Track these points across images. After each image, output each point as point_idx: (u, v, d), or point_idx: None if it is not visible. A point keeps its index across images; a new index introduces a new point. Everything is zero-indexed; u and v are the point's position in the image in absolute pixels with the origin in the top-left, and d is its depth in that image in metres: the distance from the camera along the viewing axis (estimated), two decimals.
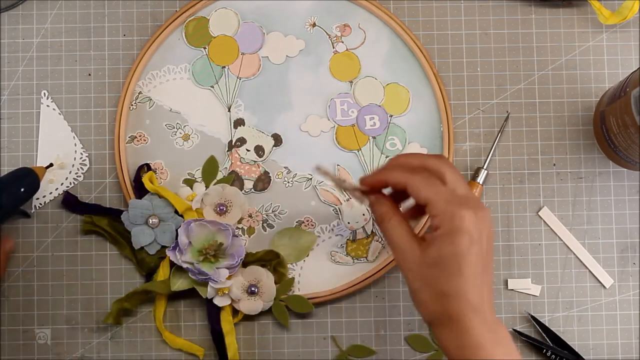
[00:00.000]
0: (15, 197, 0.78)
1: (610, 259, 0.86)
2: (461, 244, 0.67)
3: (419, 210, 0.75)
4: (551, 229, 0.86)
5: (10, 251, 0.81)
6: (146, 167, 0.85)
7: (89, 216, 0.84)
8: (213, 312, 0.83)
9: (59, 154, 0.86)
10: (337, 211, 0.86)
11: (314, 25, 0.88)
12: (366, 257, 0.85)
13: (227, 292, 0.82)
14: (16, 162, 0.86)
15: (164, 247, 0.83)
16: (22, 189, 0.79)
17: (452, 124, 0.86)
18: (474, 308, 0.67)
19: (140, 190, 0.84)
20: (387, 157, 0.86)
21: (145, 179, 0.83)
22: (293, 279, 0.84)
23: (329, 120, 0.87)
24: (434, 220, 0.69)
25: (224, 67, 0.87)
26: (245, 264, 0.83)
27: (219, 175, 0.86)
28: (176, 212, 0.83)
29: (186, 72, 0.87)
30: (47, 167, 0.83)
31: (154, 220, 0.82)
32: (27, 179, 0.80)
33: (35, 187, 0.80)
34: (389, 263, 0.84)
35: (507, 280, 0.85)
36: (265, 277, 0.83)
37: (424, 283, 0.69)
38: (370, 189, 0.73)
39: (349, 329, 0.85)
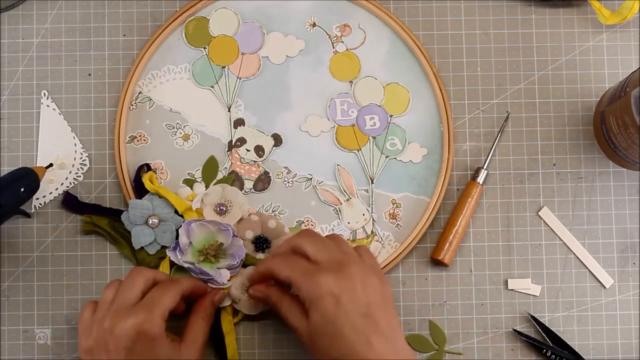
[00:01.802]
0: (15, 197, 0.78)
1: (610, 259, 0.86)
2: (326, 308, 0.70)
3: None
4: (551, 229, 0.86)
5: (219, 301, 0.81)
6: (146, 167, 0.85)
7: (89, 216, 0.84)
8: None
9: (59, 154, 0.86)
10: (337, 211, 0.86)
11: (314, 25, 0.88)
12: None
13: (226, 293, 0.82)
14: (16, 162, 0.86)
15: (163, 247, 0.83)
16: (22, 189, 0.79)
17: (452, 124, 0.86)
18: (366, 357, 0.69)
19: (140, 190, 0.84)
20: (387, 157, 0.86)
21: (145, 179, 0.83)
22: None
23: (329, 120, 0.87)
24: (301, 295, 0.72)
25: (224, 67, 0.87)
26: (245, 264, 0.83)
27: (219, 175, 0.86)
28: (176, 212, 0.83)
29: (186, 72, 0.87)
30: (47, 167, 0.83)
31: (154, 220, 0.82)
32: (27, 179, 0.80)
33: (35, 187, 0.80)
34: (388, 263, 0.84)
35: (507, 280, 0.85)
36: None
37: (321, 355, 0.71)
38: (260, 283, 0.79)
39: None
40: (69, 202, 0.85)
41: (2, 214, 0.78)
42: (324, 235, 0.78)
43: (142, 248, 0.83)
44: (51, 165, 0.84)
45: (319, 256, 0.74)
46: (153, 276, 0.77)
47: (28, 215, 0.84)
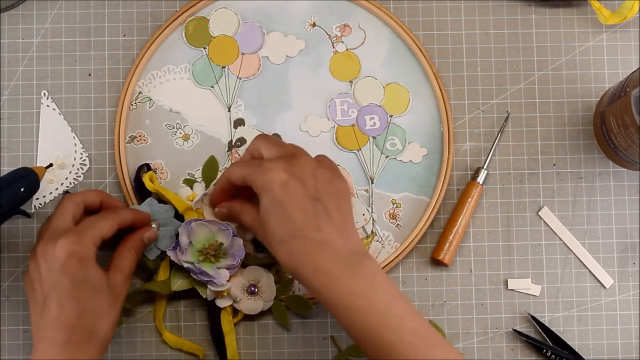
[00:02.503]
0: (15, 197, 0.78)
1: (610, 259, 0.86)
2: (275, 191, 0.71)
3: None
4: (551, 229, 0.86)
5: (149, 238, 0.82)
6: (146, 167, 0.85)
7: None
8: (213, 312, 0.83)
9: (59, 154, 0.86)
10: None
11: (314, 25, 0.88)
12: None
13: (226, 294, 0.82)
14: (16, 162, 0.86)
15: (163, 252, 0.83)
16: (22, 189, 0.79)
17: (452, 124, 0.86)
18: (315, 243, 0.70)
19: (140, 190, 0.84)
20: (387, 157, 0.86)
21: (145, 178, 0.83)
22: (293, 279, 0.84)
23: (329, 120, 0.87)
24: (255, 189, 0.73)
25: (224, 67, 0.87)
26: (245, 264, 0.83)
27: (219, 175, 0.86)
28: (176, 214, 0.83)
29: (186, 72, 0.87)
30: (47, 167, 0.83)
31: (153, 226, 0.82)
32: (27, 179, 0.80)
33: (35, 187, 0.80)
34: (388, 263, 0.84)
35: (507, 280, 0.85)
36: (265, 277, 0.83)
37: (268, 238, 0.73)
38: (221, 200, 0.80)
39: None
40: None
41: (2, 214, 0.78)
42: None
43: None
44: (51, 165, 0.84)
45: (274, 152, 0.75)
46: (82, 199, 0.78)
47: (28, 215, 0.84)
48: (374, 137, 0.86)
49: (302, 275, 0.71)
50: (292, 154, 0.74)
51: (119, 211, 0.79)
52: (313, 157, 0.76)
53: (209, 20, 0.87)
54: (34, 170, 0.80)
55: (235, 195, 0.80)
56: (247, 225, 0.78)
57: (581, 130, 0.87)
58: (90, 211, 0.79)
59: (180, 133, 0.86)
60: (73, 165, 0.86)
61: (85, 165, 0.86)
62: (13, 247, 0.85)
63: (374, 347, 0.69)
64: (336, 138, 0.86)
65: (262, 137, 0.77)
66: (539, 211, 0.86)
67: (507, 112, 0.87)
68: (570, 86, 0.87)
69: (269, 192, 0.72)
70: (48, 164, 0.84)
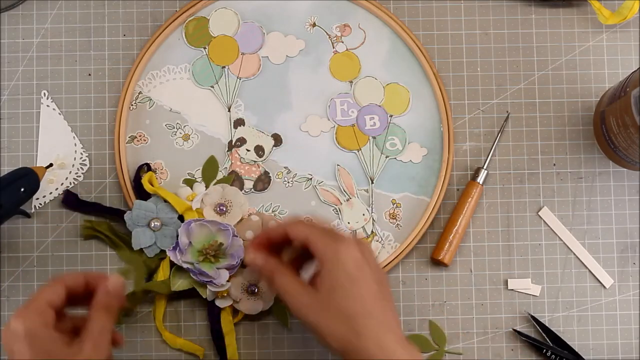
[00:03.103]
0: (15, 197, 0.79)
1: (610, 259, 0.86)
2: (349, 267, 0.69)
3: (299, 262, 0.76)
4: (551, 229, 0.86)
5: (114, 288, 0.73)
6: (146, 167, 0.85)
7: (89, 221, 0.84)
8: (213, 312, 0.83)
9: (59, 154, 0.86)
10: (337, 211, 0.86)
11: (314, 25, 0.88)
12: None
13: (226, 294, 0.82)
14: (16, 162, 0.86)
15: (162, 251, 0.83)
16: (22, 189, 0.79)
17: (452, 124, 0.86)
18: (381, 323, 0.69)
19: (140, 190, 0.84)
20: (387, 157, 0.86)
21: (144, 180, 0.83)
22: None
23: (329, 120, 0.87)
24: (320, 256, 0.70)
25: (224, 67, 0.87)
26: (244, 264, 0.83)
27: (219, 175, 0.86)
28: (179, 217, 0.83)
29: (186, 72, 0.87)
30: (47, 167, 0.83)
31: (156, 223, 0.82)
32: (27, 179, 0.80)
33: (35, 187, 0.80)
34: (388, 263, 0.84)
35: (507, 280, 0.85)
36: None
37: (327, 313, 0.69)
38: (265, 244, 0.74)
39: None
40: (69, 200, 0.85)
41: (2, 214, 0.78)
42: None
43: (141, 250, 0.83)
44: (51, 165, 0.84)
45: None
46: (62, 285, 0.71)
47: (28, 215, 0.84)
48: (374, 137, 0.86)
49: (363, 352, 0.69)
50: (355, 237, 0.73)
51: (66, 274, 0.72)
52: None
53: (209, 20, 0.87)
54: (34, 170, 0.80)
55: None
56: (277, 289, 0.72)
57: (581, 130, 0.87)
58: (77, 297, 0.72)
59: (180, 133, 0.86)
60: (73, 165, 0.86)
61: (85, 165, 0.86)
62: (13, 247, 0.85)
63: None
64: (336, 138, 0.86)
65: (308, 225, 0.73)
66: (539, 211, 0.86)
67: (507, 112, 0.87)
68: (570, 86, 0.87)
69: (343, 265, 0.70)
70: (48, 164, 0.84)
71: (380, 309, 0.70)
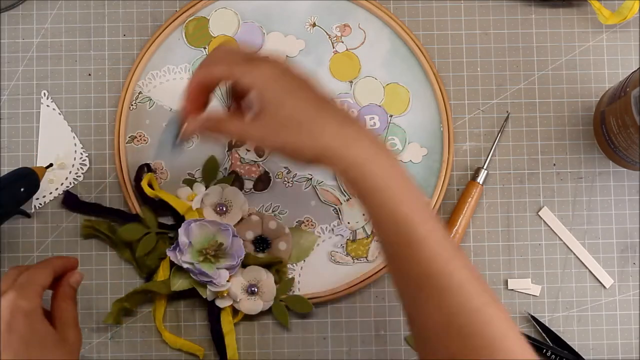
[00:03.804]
0: (15, 197, 0.79)
1: (610, 259, 0.86)
2: (272, 82, 0.68)
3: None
4: (551, 229, 0.86)
5: (75, 282, 0.78)
6: (146, 167, 0.85)
7: (89, 220, 0.84)
8: (213, 312, 0.83)
9: (59, 154, 0.86)
10: (337, 211, 0.86)
11: (314, 25, 0.88)
12: (366, 257, 0.85)
13: (226, 294, 0.82)
14: (16, 162, 0.86)
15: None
16: (22, 189, 0.79)
17: (452, 124, 0.86)
18: (339, 120, 0.67)
19: (140, 190, 0.84)
20: None
21: (144, 183, 0.83)
22: (293, 279, 0.84)
23: None
24: (244, 85, 0.69)
25: None
26: (245, 264, 0.83)
27: (219, 175, 0.86)
28: (177, 217, 0.83)
29: (186, 72, 0.87)
30: (47, 167, 0.83)
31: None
32: (27, 179, 0.80)
33: (35, 187, 0.80)
34: None
35: (507, 280, 0.85)
36: (265, 277, 0.83)
37: (280, 131, 0.68)
38: (194, 112, 0.73)
39: (349, 329, 0.85)
40: (69, 201, 0.85)
41: (2, 214, 0.78)
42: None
43: (143, 254, 0.83)
44: (51, 165, 0.84)
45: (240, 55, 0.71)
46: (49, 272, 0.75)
47: (28, 215, 0.84)
48: None
49: (331, 151, 0.67)
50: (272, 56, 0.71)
51: (50, 260, 0.76)
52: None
53: (209, 20, 0.87)
54: (34, 170, 0.80)
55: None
56: (233, 134, 0.73)
57: (581, 130, 0.87)
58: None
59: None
60: (73, 165, 0.86)
61: (85, 165, 0.86)
62: (13, 247, 0.85)
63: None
64: None
65: (221, 48, 0.72)
66: (539, 211, 0.86)
67: (507, 112, 0.87)
68: (570, 86, 0.87)
69: (267, 84, 0.68)
70: (48, 164, 0.84)
71: (325, 106, 0.68)
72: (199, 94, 0.73)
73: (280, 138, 0.68)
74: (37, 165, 0.85)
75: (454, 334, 0.63)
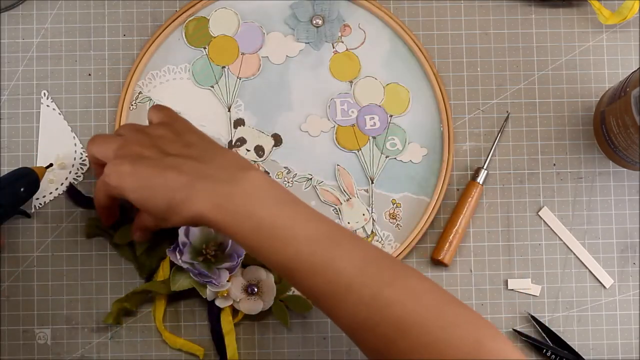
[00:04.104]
0: (15, 197, 0.79)
1: (610, 259, 0.86)
2: (127, 184, 0.70)
3: None
4: (551, 229, 0.86)
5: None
6: None
7: (94, 219, 0.84)
8: (213, 312, 0.83)
9: (59, 154, 0.86)
10: (337, 211, 0.86)
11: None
12: None
13: (226, 294, 0.82)
14: (16, 162, 0.86)
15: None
16: (22, 189, 0.79)
17: (452, 124, 0.86)
18: (189, 186, 0.68)
19: None
20: (387, 157, 0.86)
21: None
22: None
23: (329, 120, 0.87)
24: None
25: (224, 67, 0.87)
26: (245, 264, 0.83)
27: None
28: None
29: (186, 72, 0.87)
30: (47, 167, 0.83)
31: (317, 20, 0.85)
32: (27, 179, 0.80)
33: (35, 187, 0.80)
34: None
35: (507, 280, 0.85)
36: (265, 277, 0.83)
37: (162, 217, 0.71)
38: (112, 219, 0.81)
39: None
40: (73, 193, 0.84)
41: (1, 214, 0.78)
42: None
43: (143, 252, 0.83)
44: (51, 165, 0.84)
45: (107, 150, 0.74)
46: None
47: (28, 215, 0.84)
48: (374, 137, 0.86)
49: (210, 223, 0.68)
50: (120, 139, 0.74)
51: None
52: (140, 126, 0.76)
53: (209, 20, 0.87)
54: (34, 170, 0.80)
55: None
56: (153, 224, 0.76)
57: (581, 130, 0.87)
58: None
59: None
60: (73, 165, 0.86)
61: (85, 165, 0.86)
62: (13, 247, 0.85)
63: (282, 271, 0.67)
64: (336, 138, 0.86)
65: (94, 139, 0.76)
66: (539, 211, 0.86)
67: (507, 112, 0.87)
68: (570, 86, 0.87)
69: (125, 188, 0.71)
70: (48, 164, 0.84)
71: (176, 177, 0.69)
72: (109, 210, 0.79)
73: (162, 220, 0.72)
74: (37, 165, 0.85)
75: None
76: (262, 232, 0.66)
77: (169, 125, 0.75)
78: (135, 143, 0.72)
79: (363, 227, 0.85)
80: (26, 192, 0.80)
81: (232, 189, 0.68)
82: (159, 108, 0.79)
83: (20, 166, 0.84)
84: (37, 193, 0.82)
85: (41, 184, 0.81)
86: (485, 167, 0.85)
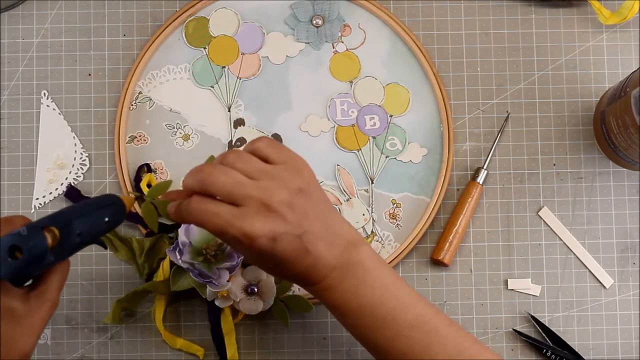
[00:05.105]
0: (96, 227, 0.68)
1: (610, 259, 0.86)
2: (262, 246, 0.66)
3: None
4: (551, 229, 0.86)
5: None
6: (146, 167, 0.85)
7: None
8: (213, 312, 0.83)
9: (59, 154, 0.86)
10: (337, 211, 0.86)
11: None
12: None
13: (226, 294, 0.82)
14: (16, 162, 0.86)
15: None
16: (107, 219, 0.68)
17: (452, 124, 0.86)
18: (308, 268, 0.67)
19: (140, 190, 0.84)
20: (387, 157, 0.86)
21: (143, 184, 0.83)
22: None
23: (329, 120, 0.87)
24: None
25: (224, 67, 0.87)
26: (245, 264, 0.83)
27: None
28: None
29: (186, 72, 0.87)
30: (137, 198, 0.74)
31: (317, 20, 0.84)
32: (114, 209, 0.69)
33: (120, 218, 0.70)
34: (388, 263, 0.84)
35: (507, 280, 0.85)
36: (265, 277, 0.83)
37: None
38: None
39: None
40: (72, 195, 0.84)
41: (78, 244, 0.67)
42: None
43: (143, 253, 0.83)
44: (141, 195, 0.75)
45: (275, 156, 0.69)
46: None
47: (105, 247, 0.72)
48: (374, 137, 0.86)
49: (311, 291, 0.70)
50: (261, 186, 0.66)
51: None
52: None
53: (209, 20, 0.87)
54: (122, 199, 0.70)
55: None
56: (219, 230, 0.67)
57: (581, 130, 0.87)
58: None
59: (180, 133, 0.86)
60: (73, 165, 0.86)
61: (85, 165, 0.86)
62: None
63: (374, 349, 0.69)
64: (336, 138, 0.86)
65: (268, 141, 0.69)
66: (539, 211, 0.86)
67: (507, 112, 0.87)
68: (570, 86, 0.87)
69: (264, 248, 0.66)
70: (137, 194, 0.76)
71: (303, 258, 0.67)
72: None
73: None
74: (124, 195, 0.77)
75: None
76: (364, 311, 0.68)
77: (299, 175, 0.68)
78: (277, 194, 0.65)
79: (363, 227, 0.85)
80: (109, 223, 0.68)
81: (346, 272, 0.68)
82: (276, 146, 0.69)
83: (106, 193, 0.77)
84: (36, 192, 0.82)
85: (41, 184, 0.81)
86: (485, 167, 0.85)
